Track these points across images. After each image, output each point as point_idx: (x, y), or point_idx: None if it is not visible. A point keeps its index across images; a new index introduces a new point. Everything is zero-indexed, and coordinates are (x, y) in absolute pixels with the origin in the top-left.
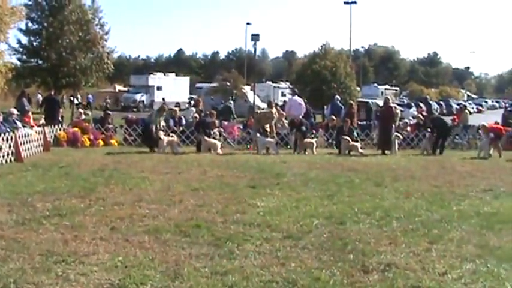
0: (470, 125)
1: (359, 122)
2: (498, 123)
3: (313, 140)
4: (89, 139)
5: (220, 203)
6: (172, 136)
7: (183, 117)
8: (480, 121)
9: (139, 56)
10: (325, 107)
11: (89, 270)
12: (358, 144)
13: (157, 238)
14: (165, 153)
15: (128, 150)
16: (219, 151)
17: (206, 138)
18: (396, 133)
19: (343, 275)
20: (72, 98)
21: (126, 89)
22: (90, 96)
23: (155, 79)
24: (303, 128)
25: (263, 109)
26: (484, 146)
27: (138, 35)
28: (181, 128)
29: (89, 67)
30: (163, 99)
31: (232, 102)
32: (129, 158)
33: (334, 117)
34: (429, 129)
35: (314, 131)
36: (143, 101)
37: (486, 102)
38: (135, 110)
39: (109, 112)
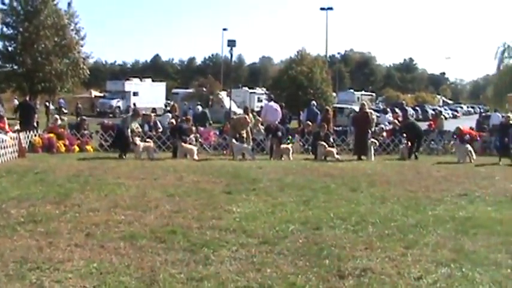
0: (446, 131)
1: (335, 128)
2: (473, 129)
3: (289, 146)
4: (65, 145)
5: (196, 208)
6: (148, 142)
7: (158, 123)
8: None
9: (115, 62)
10: (301, 112)
11: (64, 277)
12: (334, 150)
13: (133, 244)
14: (141, 159)
15: (103, 156)
16: (196, 157)
17: (182, 143)
18: (372, 139)
19: (319, 280)
20: (47, 104)
21: (102, 94)
22: (61, 101)
23: (131, 85)
24: (279, 133)
25: (239, 115)
26: (461, 150)
27: (115, 41)
28: (158, 133)
29: (64, 72)
30: (134, 104)
31: (200, 108)
32: (104, 164)
33: (310, 123)
34: (404, 135)
35: (290, 136)
36: (119, 107)
37: (461, 107)
38: (111, 115)
39: (84, 118)
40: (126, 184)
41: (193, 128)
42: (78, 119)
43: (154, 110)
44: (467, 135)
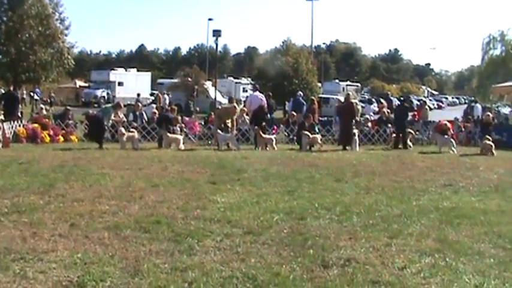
0: (431, 121)
1: (320, 118)
2: (458, 119)
3: (273, 136)
4: (49, 135)
5: (180, 198)
6: (132, 131)
7: (144, 113)
8: (440, 117)
9: (100, 52)
10: (286, 102)
11: (48, 268)
12: (319, 136)
13: (117, 234)
14: (126, 149)
15: (88, 147)
16: (182, 146)
17: (168, 133)
18: (355, 130)
19: (303, 270)
20: (32, 94)
21: (87, 84)
22: (37, 90)
23: (116, 75)
24: (266, 117)
25: (225, 105)
26: (440, 140)
27: (100, 30)
28: (143, 123)
29: (49, 62)
30: (138, 94)
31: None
32: (89, 154)
33: (295, 113)
34: (389, 125)
35: (275, 127)
36: (104, 97)
37: (446, 98)
38: (96, 105)
39: (69, 108)
40: (110, 174)
41: (179, 118)
42: (51, 108)
43: (138, 96)
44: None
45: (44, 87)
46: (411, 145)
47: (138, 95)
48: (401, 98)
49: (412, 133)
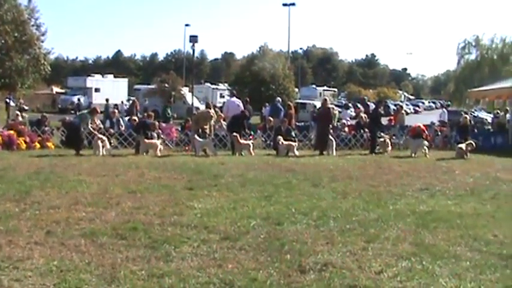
0: (407, 126)
1: (297, 123)
2: (434, 124)
3: (250, 142)
4: (25, 142)
5: (157, 205)
6: (102, 137)
7: (121, 119)
8: (417, 121)
9: (77, 58)
10: (263, 108)
11: (23, 276)
12: (295, 144)
13: (94, 241)
14: (102, 156)
15: (64, 153)
16: (158, 152)
17: (145, 139)
18: (331, 136)
19: (280, 275)
20: (8, 100)
21: (63, 90)
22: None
23: (93, 81)
24: (248, 123)
25: (200, 110)
26: (413, 144)
27: (76, 36)
28: (121, 128)
29: (25, 68)
30: (107, 100)
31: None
32: (66, 161)
33: (272, 118)
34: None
35: (252, 133)
36: (81, 103)
37: (423, 103)
38: (72, 112)
39: (45, 114)
40: (87, 181)
41: (156, 123)
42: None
43: (116, 106)
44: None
45: (20, 93)
46: (389, 150)
47: (107, 100)
48: (375, 102)
49: (386, 139)
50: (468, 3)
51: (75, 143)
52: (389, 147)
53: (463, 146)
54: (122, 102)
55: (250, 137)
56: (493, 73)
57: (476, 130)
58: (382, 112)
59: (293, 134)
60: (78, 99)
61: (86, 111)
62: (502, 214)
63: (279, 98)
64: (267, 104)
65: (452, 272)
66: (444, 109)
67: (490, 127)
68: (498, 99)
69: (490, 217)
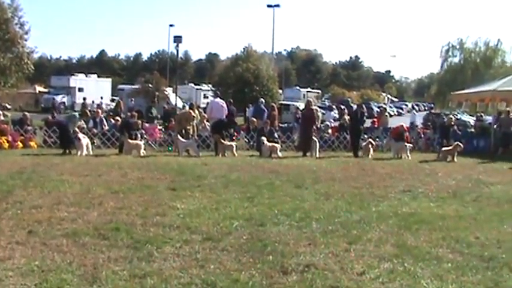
0: (390, 128)
1: (281, 125)
2: (417, 126)
3: (233, 143)
4: (8, 141)
5: (140, 205)
6: (85, 137)
7: (104, 119)
8: (400, 123)
9: (60, 57)
10: (247, 109)
11: (4, 276)
12: (278, 146)
13: (76, 241)
14: (86, 156)
15: (47, 153)
16: (142, 153)
17: (129, 139)
18: (314, 137)
19: (262, 276)
20: None
21: (46, 90)
22: None
23: (76, 80)
24: (230, 130)
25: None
26: (395, 147)
27: (60, 35)
28: (105, 128)
29: (8, 67)
30: (84, 99)
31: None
32: (48, 161)
33: (255, 119)
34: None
35: (236, 133)
36: (64, 103)
37: (406, 105)
38: (54, 111)
39: (27, 114)
40: (69, 181)
41: (139, 122)
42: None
43: (100, 105)
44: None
45: (2, 92)
46: (371, 152)
47: (84, 98)
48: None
49: (371, 142)
50: (452, 7)
51: (65, 143)
52: (371, 151)
53: (448, 148)
54: (84, 99)
55: (233, 137)
56: (476, 76)
57: (459, 132)
58: (365, 114)
59: (276, 135)
60: (53, 99)
61: (75, 112)
62: (484, 216)
63: (262, 99)
64: (250, 105)
65: (434, 273)
66: (414, 111)
67: (472, 130)
68: (481, 102)
69: (472, 219)
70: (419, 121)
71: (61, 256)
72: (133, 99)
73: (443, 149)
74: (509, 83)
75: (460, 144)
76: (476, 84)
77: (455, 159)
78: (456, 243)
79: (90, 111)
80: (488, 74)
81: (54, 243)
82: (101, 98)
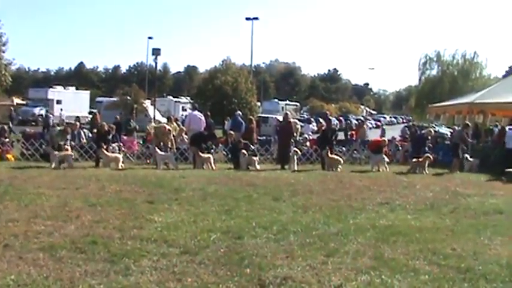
0: (369, 140)
1: (259, 137)
2: (395, 138)
3: (210, 155)
4: None
5: (117, 218)
6: (67, 150)
7: (81, 132)
8: (378, 136)
9: (38, 69)
10: (225, 122)
11: None
12: (256, 159)
13: (52, 255)
14: (63, 169)
15: (24, 165)
16: (119, 166)
17: (106, 152)
18: (295, 148)
19: None
20: None
21: (24, 102)
22: None
23: (55, 93)
24: (208, 142)
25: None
26: (373, 159)
27: (38, 47)
28: (83, 141)
29: None
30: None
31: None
32: (25, 173)
33: (233, 132)
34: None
35: (214, 146)
36: (42, 115)
37: (384, 117)
38: (33, 124)
39: (4, 126)
40: (46, 194)
41: (113, 131)
42: None
43: (78, 118)
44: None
45: None
46: (339, 168)
47: (47, 111)
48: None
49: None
50: (430, 19)
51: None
52: (340, 166)
53: (419, 160)
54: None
55: (212, 150)
56: (454, 89)
57: (431, 145)
58: (337, 128)
59: (252, 148)
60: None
61: (58, 128)
62: (461, 228)
63: (239, 112)
64: (228, 118)
65: (410, 285)
66: (382, 127)
67: (449, 142)
68: (458, 115)
69: (449, 231)
70: (393, 134)
71: (37, 270)
72: (122, 111)
73: (414, 160)
74: (487, 95)
75: (429, 156)
76: (454, 97)
77: (426, 171)
78: (433, 255)
79: (67, 123)
80: (466, 87)
81: (31, 257)
82: (89, 113)
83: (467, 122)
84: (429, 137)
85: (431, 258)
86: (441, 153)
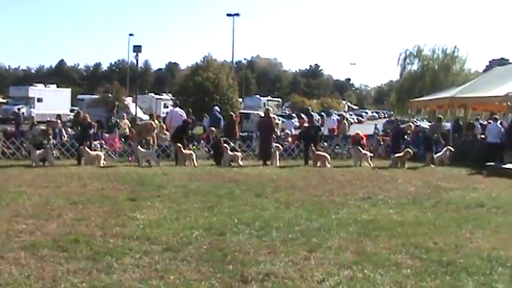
0: (350, 135)
1: (241, 134)
2: (377, 133)
3: (192, 152)
4: None
5: (99, 216)
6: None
7: (62, 130)
8: (360, 131)
9: (19, 67)
10: (204, 118)
11: None
12: (240, 155)
13: (34, 254)
14: (44, 167)
15: (5, 164)
16: (103, 163)
17: (88, 150)
18: (276, 144)
19: (222, 285)
20: None
21: (5, 100)
22: None
23: (35, 91)
24: (190, 132)
25: (144, 121)
26: (356, 155)
27: (18, 45)
28: (64, 139)
29: None
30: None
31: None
32: (6, 172)
33: (214, 129)
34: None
35: (196, 143)
36: (23, 113)
37: (366, 113)
38: (13, 122)
39: None
40: (28, 192)
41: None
42: None
43: (59, 116)
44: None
45: None
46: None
47: (19, 109)
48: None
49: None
50: (411, 14)
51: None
52: (327, 162)
53: (399, 155)
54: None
55: (192, 144)
56: (435, 83)
57: (410, 139)
58: (318, 124)
59: (233, 144)
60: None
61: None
62: (443, 222)
63: (216, 108)
64: (206, 115)
65: (393, 279)
66: (345, 120)
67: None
68: (439, 109)
69: (431, 225)
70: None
71: (19, 269)
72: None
73: (395, 155)
74: (467, 89)
75: (409, 151)
76: (434, 91)
77: (405, 165)
78: (415, 249)
79: (49, 120)
80: (446, 81)
81: (12, 256)
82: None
83: (440, 116)
84: (409, 132)
85: (413, 252)
86: (422, 147)
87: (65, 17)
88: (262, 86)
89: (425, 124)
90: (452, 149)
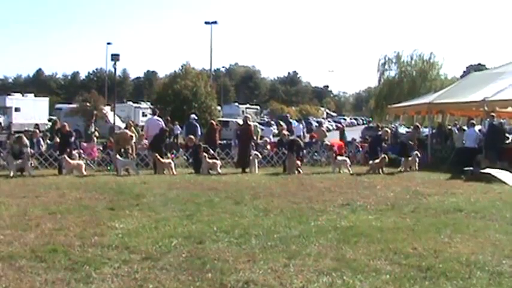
0: (328, 143)
1: (220, 141)
2: (355, 140)
3: (171, 160)
4: None
5: (78, 226)
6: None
7: (41, 139)
8: (338, 138)
9: None
10: (183, 126)
11: None
12: (218, 163)
13: (12, 265)
14: (23, 176)
15: None
16: (83, 171)
17: (69, 159)
18: (255, 152)
19: None
20: None
21: None
22: None
23: (13, 100)
24: (167, 140)
25: (121, 130)
26: (337, 162)
27: None
28: (42, 149)
29: None
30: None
31: None
32: None
33: (193, 136)
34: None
35: (175, 151)
36: (0, 123)
37: (345, 119)
38: None
39: None
40: (6, 203)
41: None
42: None
43: (37, 125)
44: (336, 148)
45: None
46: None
47: (37, 126)
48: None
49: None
50: (388, 20)
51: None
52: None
53: (376, 161)
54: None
55: (172, 155)
56: (412, 89)
57: (385, 145)
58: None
59: (212, 151)
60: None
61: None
62: (422, 227)
63: (193, 116)
64: (181, 126)
65: (372, 285)
66: (299, 124)
67: (410, 142)
68: (417, 115)
69: (409, 230)
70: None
71: None
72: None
73: (372, 162)
74: (445, 95)
75: (385, 157)
76: (413, 97)
77: (382, 171)
78: (394, 255)
79: (25, 130)
80: (424, 87)
81: None
82: (49, 120)
83: (417, 124)
84: (386, 137)
85: (392, 258)
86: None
87: (42, 26)
88: (240, 94)
89: (402, 130)
90: (419, 155)
